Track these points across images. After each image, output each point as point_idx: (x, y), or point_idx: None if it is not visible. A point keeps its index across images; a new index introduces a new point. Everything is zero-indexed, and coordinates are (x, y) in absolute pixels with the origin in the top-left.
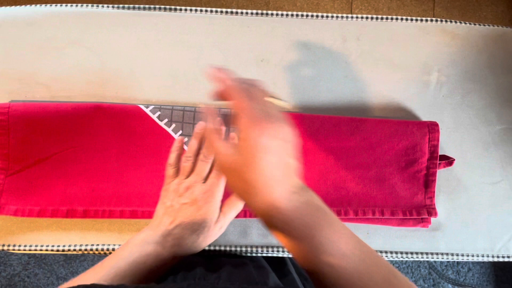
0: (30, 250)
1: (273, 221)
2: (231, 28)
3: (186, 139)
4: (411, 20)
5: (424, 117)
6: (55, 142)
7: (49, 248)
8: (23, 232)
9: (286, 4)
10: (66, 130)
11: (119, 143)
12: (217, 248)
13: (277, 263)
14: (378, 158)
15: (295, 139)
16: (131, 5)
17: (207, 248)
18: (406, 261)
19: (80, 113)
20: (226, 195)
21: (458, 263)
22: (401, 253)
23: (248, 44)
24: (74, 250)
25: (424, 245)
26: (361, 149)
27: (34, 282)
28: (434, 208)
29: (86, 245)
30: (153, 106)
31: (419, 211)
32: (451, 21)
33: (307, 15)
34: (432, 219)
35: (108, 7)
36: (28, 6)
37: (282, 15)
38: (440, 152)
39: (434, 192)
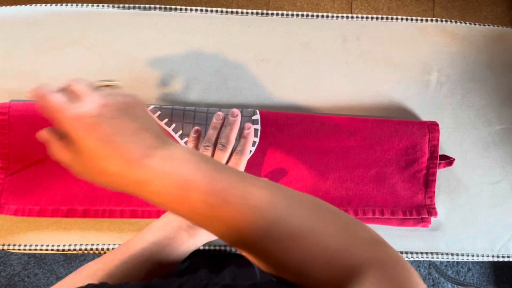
0: (30, 249)
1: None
2: (231, 28)
3: (188, 138)
4: (411, 20)
5: (424, 117)
6: None
7: (49, 247)
8: (23, 231)
9: (286, 4)
10: None
11: None
12: (221, 248)
13: None
14: (378, 158)
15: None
16: (131, 5)
17: (212, 248)
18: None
19: None
20: None
21: (458, 263)
22: (401, 252)
23: (248, 44)
24: (74, 249)
25: (424, 245)
26: (361, 149)
27: (34, 282)
28: (434, 208)
29: (86, 244)
30: (153, 106)
31: (419, 211)
32: (451, 21)
33: (307, 15)
34: (432, 219)
35: (108, 6)
36: (28, 6)
37: (282, 15)
38: (440, 152)
39: (434, 192)
